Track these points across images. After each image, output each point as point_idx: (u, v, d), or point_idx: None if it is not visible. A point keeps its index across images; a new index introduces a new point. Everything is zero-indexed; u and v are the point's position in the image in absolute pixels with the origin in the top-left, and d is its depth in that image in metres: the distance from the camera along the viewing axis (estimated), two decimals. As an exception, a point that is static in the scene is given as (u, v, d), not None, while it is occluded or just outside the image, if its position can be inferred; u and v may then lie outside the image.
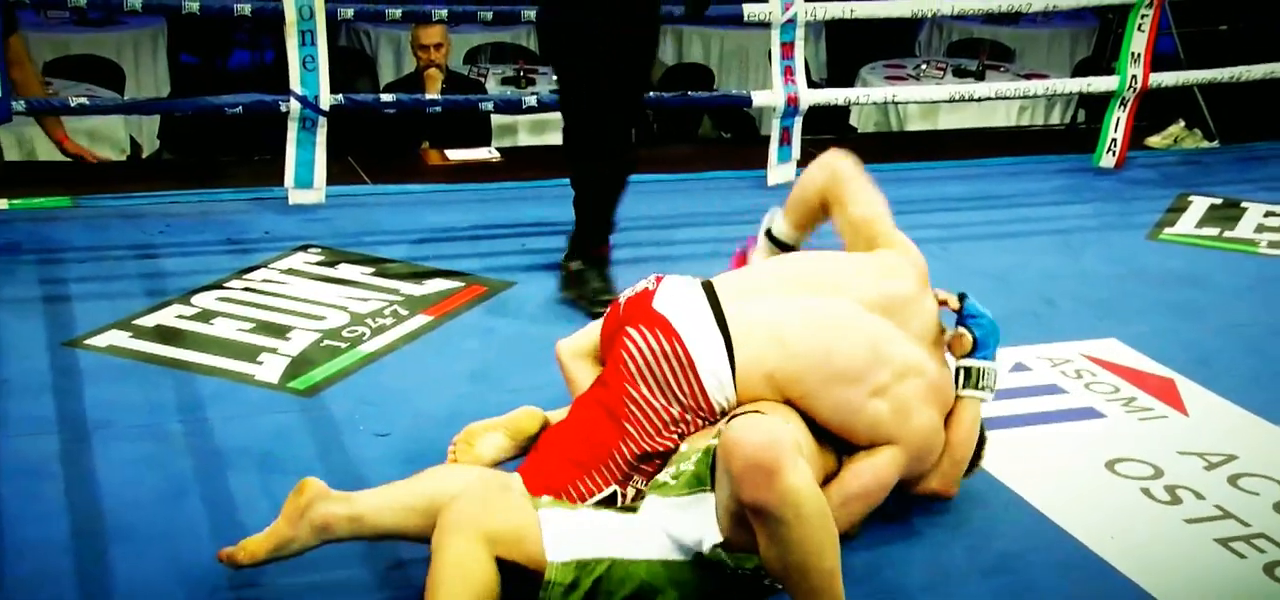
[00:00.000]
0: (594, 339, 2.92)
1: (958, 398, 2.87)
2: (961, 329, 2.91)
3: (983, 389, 2.88)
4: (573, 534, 2.40)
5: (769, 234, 3.33)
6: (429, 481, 2.55)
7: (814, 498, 2.27)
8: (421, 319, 3.89)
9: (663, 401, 2.68)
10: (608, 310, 2.91)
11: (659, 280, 2.84)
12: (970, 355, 2.88)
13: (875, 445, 2.74)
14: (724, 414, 2.70)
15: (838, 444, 2.76)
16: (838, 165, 3.20)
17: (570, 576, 2.35)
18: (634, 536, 2.44)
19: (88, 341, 3.63)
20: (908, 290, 2.92)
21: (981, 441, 2.94)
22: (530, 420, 2.84)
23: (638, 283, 2.88)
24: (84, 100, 5.03)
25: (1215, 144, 6.33)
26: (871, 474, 2.73)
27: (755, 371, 2.69)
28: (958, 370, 2.88)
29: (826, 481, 2.72)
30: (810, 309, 2.80)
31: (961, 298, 2.94)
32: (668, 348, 2.68)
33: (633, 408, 2.67)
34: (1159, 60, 5.90)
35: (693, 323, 2.71)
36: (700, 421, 2.69)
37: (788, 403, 2.71)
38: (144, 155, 6.28)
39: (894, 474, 2.76)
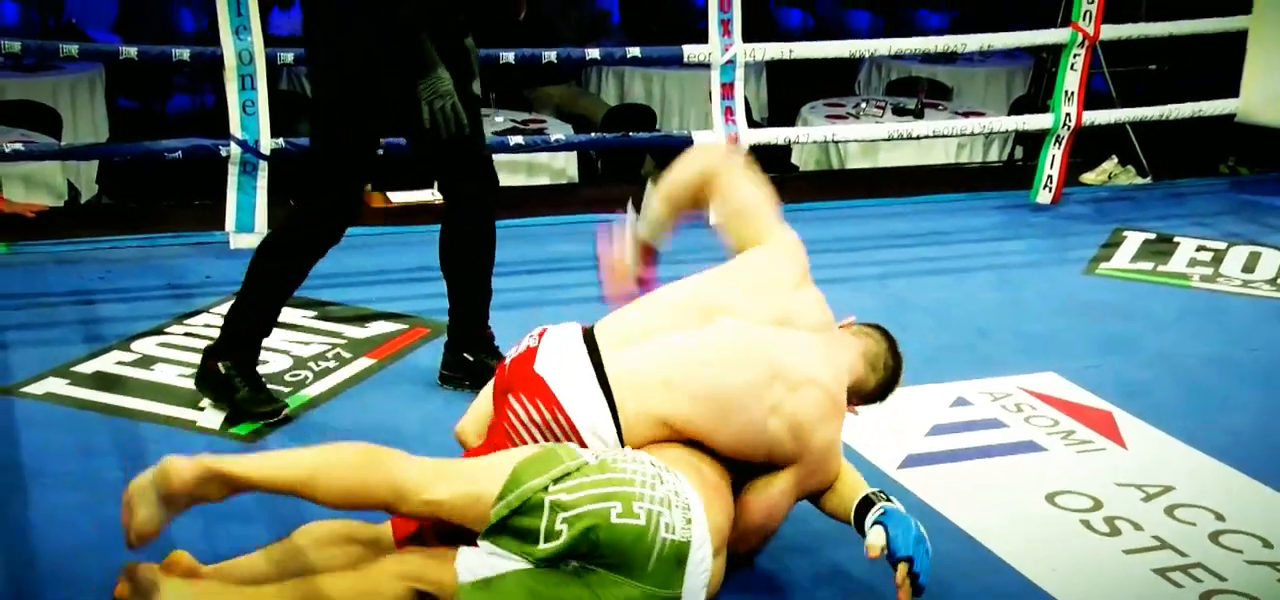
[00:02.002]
0: (486, 408, 2.83)
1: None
2: (879, 526, 2.67)
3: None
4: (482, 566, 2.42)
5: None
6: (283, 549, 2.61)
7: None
8: (364, 362, 3.86)
9: None
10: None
11: (541, 335, 2.77)
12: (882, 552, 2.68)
13: (773, 468, 2.75)
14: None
15: (735, 468, 2.76)
16: (717, 153, 3.17)
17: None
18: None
19: (24, 389, 3.58)
20: (793, 290, 2.87)
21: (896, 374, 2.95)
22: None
23: (522, 339, 2.80)
24: (19, 145, 4.97)
25: (1148, 180, 6.43)
26: (764, 508, 2.75)
27: (642, 423, 2.67)
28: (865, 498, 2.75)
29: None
30: (697, 344, 2.75)
31: (885, 531, 2.68)
32: (548, 416, 2.65)
33: None
34: (1092, 98, 6.00)
35: (572, 385, 2.67)
36: None
37: (687, 441, 2.71)
38: (82, 201, 6.21)
39: (789, 502, 2.78)
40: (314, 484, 2.42)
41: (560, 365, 2.69)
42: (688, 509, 2.47)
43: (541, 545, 2.36)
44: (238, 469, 2.45)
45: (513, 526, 2.37)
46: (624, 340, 2.75)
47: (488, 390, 2.84)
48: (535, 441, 2.64)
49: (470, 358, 3.70)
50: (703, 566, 2.48)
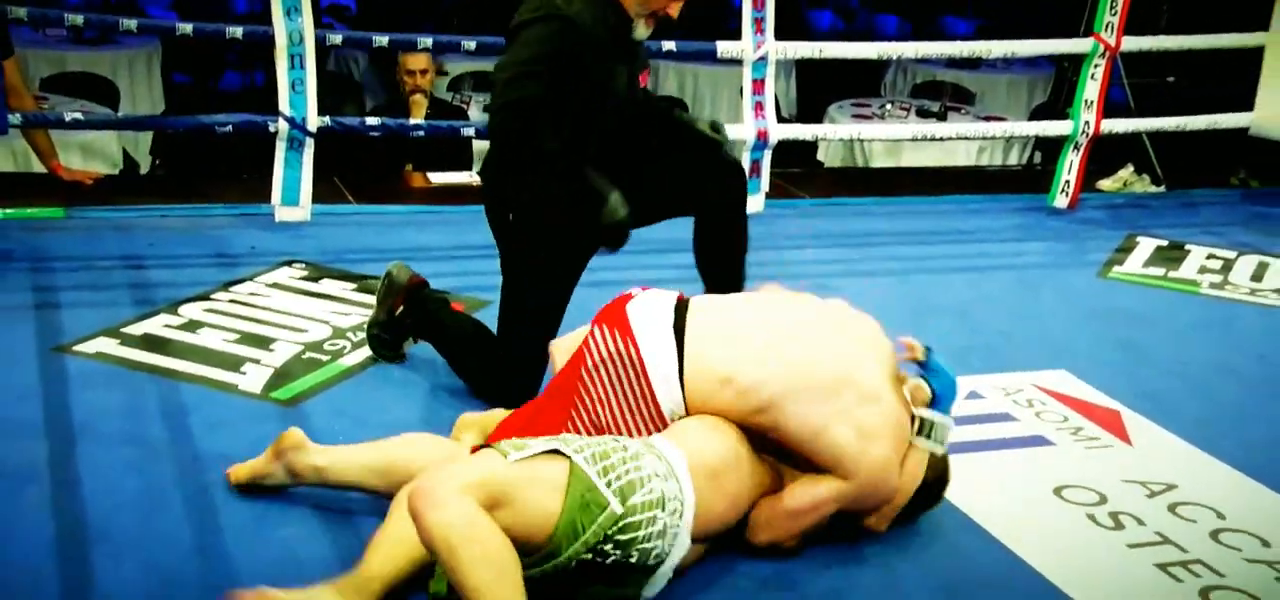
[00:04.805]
0: (580, 335, 2.91)
1: (910, 444, 2.83)
2: (921, 380, 2.86)
3: (934, 441, 2.83)
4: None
5: None
6: (391, 446, 2.78)
7: (468, 537, 2.21)
8: (401, 335, 3.87)
9: (608, 396, 2.76)
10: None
11: (643, 289, 2.90)
12: (928, 407, 2.84)
13: (825, 471, 2.71)
14: (672, 418, 2.75)
15: (780, 459, 2.76)
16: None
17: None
18: None
19: (76, 348, 3.60)
20: (870, 329, 2.91)
21: (943, 484, 2.90)
22: (495, 417, 2.95)
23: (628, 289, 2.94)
24: (79, 115, 5.00)
25: (1162, 189, 6.38)
26: (809, 499, 2.72)
27: (707, 379, 2.72)
28: (912, 418, 2.84)
29: (765, 494, 2.75)
30: (779, 323, 2.82)
31: (927, 350, 2.91)
32: (622, 348, 2.76)
33: (581, 398, 2.76)
34: (1110, 108, 5.95)
35: (651, 328, 2.76)
36: (647, 423, 2.75)
37: (742, 424, 2.71)
38: (138, 171, 6.25)
39: (833, 506, 2.74)
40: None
41: (647, 311, 2.80)
42: (678, 518, 2.49)
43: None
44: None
45: (540, 575, 2.38)
46: (709, 308, 2.86)
47: (583, 329, 2.91)
48: (605, 370, 2.75)
49: None
50: (670, 565, 2.52)
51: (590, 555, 2.39)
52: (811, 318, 2.87)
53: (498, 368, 3.36)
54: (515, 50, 3.23)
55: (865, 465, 2.71)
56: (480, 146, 6.02)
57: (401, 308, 3.60)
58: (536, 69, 3.18)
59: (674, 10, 3.32)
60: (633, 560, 2.43)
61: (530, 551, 2.34)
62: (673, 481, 2.51)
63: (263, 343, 3.71)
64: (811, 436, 2.69)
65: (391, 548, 2.46)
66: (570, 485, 2.38)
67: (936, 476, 2.86)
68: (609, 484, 2.41)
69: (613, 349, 2.76)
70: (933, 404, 2.84)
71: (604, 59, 3.28)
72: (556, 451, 2.43)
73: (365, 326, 3.72)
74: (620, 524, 2.39)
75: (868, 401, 2.72)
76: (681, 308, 2.82)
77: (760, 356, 2.72)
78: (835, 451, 2.69)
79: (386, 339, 3.64)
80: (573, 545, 2.36)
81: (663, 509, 2.45)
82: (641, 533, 2.42)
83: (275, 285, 4.19)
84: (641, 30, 3.34)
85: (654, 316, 2.79)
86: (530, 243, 3.34)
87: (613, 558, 2.41)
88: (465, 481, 2.28)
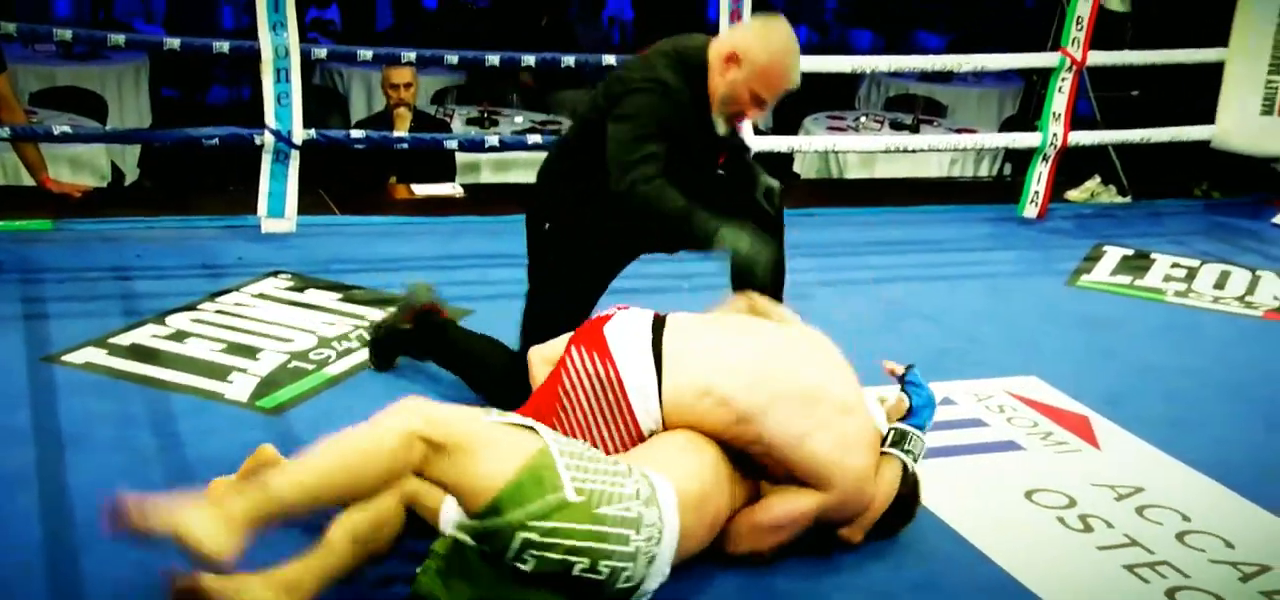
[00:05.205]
0: (561, 347, 2.90)
1: (883, 454, 2.83)
2: (903, 394, 2.89)
3: (909, 454, 2.83)
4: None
5: None
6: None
7: (362, 441, 2.27)
8: (385, 343, 3.86)
9: (586, 416, 2.74)
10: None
11: (621, 308, 2.88)
12: (904, 419, 2.86)
13: (803, 484, 2.70)
14: (649, 435, 2.73)
15: (756, 473, 2.75)
16: None
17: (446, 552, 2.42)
18: None
19: (65, 358, 3.58)
20: (834, 351, 2.91)
21: (917, 498, 2.89)
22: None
23: (604, 308, 2.92)
24: (67, 129, 4.97)
25: (1128, 199, 6.42)
26: (789, 512, 2.71)
27: (686, 393, 2.70)
28: (890, 430, 2.86)
29: (743, 507, 2.74)
30: (756, 338, 2.82)
31: (908, 368, 2.93)
32: (601, 369, 2.73)
33: (559, 418, 2.73)
34: (1078, 120, 5.99)
35: (629, 348, 2.74)
36: (625, 442, 2.72)
37: (722, 437, 2.70)
38: (125, 183, 6.22)
39: (811, 516, 2.72)
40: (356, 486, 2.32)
41: (625, 331, 2.77)
42: (656, 541, 2.45)
43: (505, 562, 2.35)
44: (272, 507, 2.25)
45: (482, 534, 2.35)
46: (687, 325, 2.83)
47: (566, 336, 2.89)
48: (583, 391, 2.70)
49: None
50: (650, 591, 2.50)
51: (557, 559, 2.34)
52: (784, 336, 2.88)
53: (515, 377, 3.29)
54: (625, 125, 3.18)
55: (844, 475, 2.70)
56: (463, 159, 6.03)
57: (408, 325, 3.58)
58: (651, 132, 3.15)
59: (752, 115, 3.32)
60: (601, 577, 2.38)
61: (476, 508, 2.32)
62: (654, 508, 2.46)
63: (249, 352, 3.69)
64: (792, 446, 2.68)
65: (326, 549, 2.44)
66: (533, 460, 2.34)
67: (909, 490, 2.85)
68: (574, 477, 2.36)
69: (590, 370, 2.73)
70: (909, 416, 2.85)
71: (689, 131, 3.26)
72: (535, 432, 2.43)
73: (371, 326, 3.72)
74: (580, 524, 2.33)
75: (845, 413, 2.72)
76: (658, 326, 2.81)
77: (738, 368, 2.72)
78: (815, 461, 2.68)
79: (382, 345, 3.64)
80: (515, 511, 2.29)
81: (637, 531, 2.40)
82: (610, 547, 2.37)
83: (261, 295, 4.17)
84: (721, 126, 3.32)
85: (632, 336, 2.77)
86: (564, 253, 3.37)
87: (578, 567, 2.35)
88: (428, 415, 2.29)
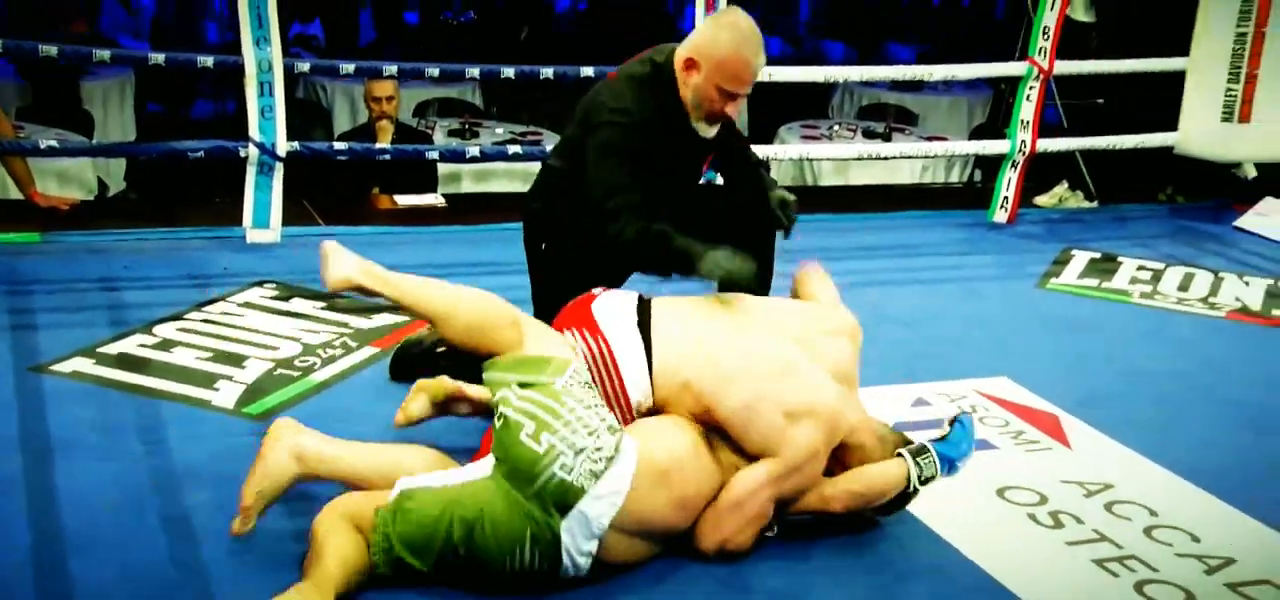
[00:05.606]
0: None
1: (898, 455, 2.89)
2: (949, 428, 2.96)
3: (921, 468, 2.87)
4: (412, 482, 2.56)
5: None
6: (392, 448, 2.75)
7: (460, 293, 2.76)
8: (369, 351, 3.85)
9: None
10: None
11: (603, 289, 2.94)
12: (937, 443, 2.91)
13: (762, 455, 2.75)
14: (639, 410, 2.79)
15: (735, 460, 2.78)
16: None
17: (392, 507, 2.51)
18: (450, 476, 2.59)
19: (53, 367, 3.55)
20: (830, 335, 2.97)
21: (906, 499, 2.92)
22: (440, 386, 2.97)
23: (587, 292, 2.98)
24: (54, 143, 4.95)
25: (1094, 204, 6.45)
26: (746, 485, 2.74)
27: (673, 381, 2.77)
28: (920, 444, 2.91)
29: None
30: (734, 323, 2.90)
31: (964, 413, 3.03)
32: (592, 344, 2.80)
33: None
34: (1046, 128, 6.01)
35: (619, 326, 2.81)
36: (617, 415, 2.76)
37: (696, 416, 2.77)
38: (111, 196, 6.18)
39: (769, 488, 2.74)
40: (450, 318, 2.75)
41: (611, 310, 2.85)
42: (604, 467, 2.52)
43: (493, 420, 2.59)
44: (386, 287, 2.83)
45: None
46: (672, 307, 2.90)
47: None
48: (589, 370, 2.79)
49: None
50: (597, 525, 2.53)
51: (514, 421, 2.53)
52: (772, 317, 2.95)
53: None
54: (599, 168, 3.20)
55: (787, 444, 2.73)
56: (445, 169, 6.02)
57: (443, 347, 3.54)
58: (621, 173, 3.16)
59: (731, 110, 3.27)
60: (538, 450, 2.48)
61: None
62: (616, 439, 2.57)
63: (235, 360, 3.68)
64: (750, 419, 2.74)
65: (340, 554, 2.46)
66: (553, 357, 2.64)
67: (901, 498, 2.90)
68: (566, 384, 2.60)
69: (581, 347, 2.80)
70: (941, 442, 2.92)
71: (667, 148, 3.26)
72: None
73: (404, 341, 3.70)
74: (547, 398, 2.55)
75: (802, 389, 2.77)
76: (644, 306, 2.87)
77: (717, 353, 2.79)
78: (766, 438, 2.73)
79: (410, 357, 3.59)
80: (508, 372, 2.62)
81: (590, 435, 2.53)
82: (557, 426, 2.51)
83: (247, 305, 4.15)
84: (704, 129, 3.31)
85: (619, 314, 2.84)
86: (561, 274, 3.37)
87: (524, 432, 2.51)
88: (518, 316, 2.75)
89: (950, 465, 2.92)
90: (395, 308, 2.99)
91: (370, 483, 2.63)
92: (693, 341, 2.82)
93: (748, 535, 2.76)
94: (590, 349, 2.80)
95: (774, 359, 2.81)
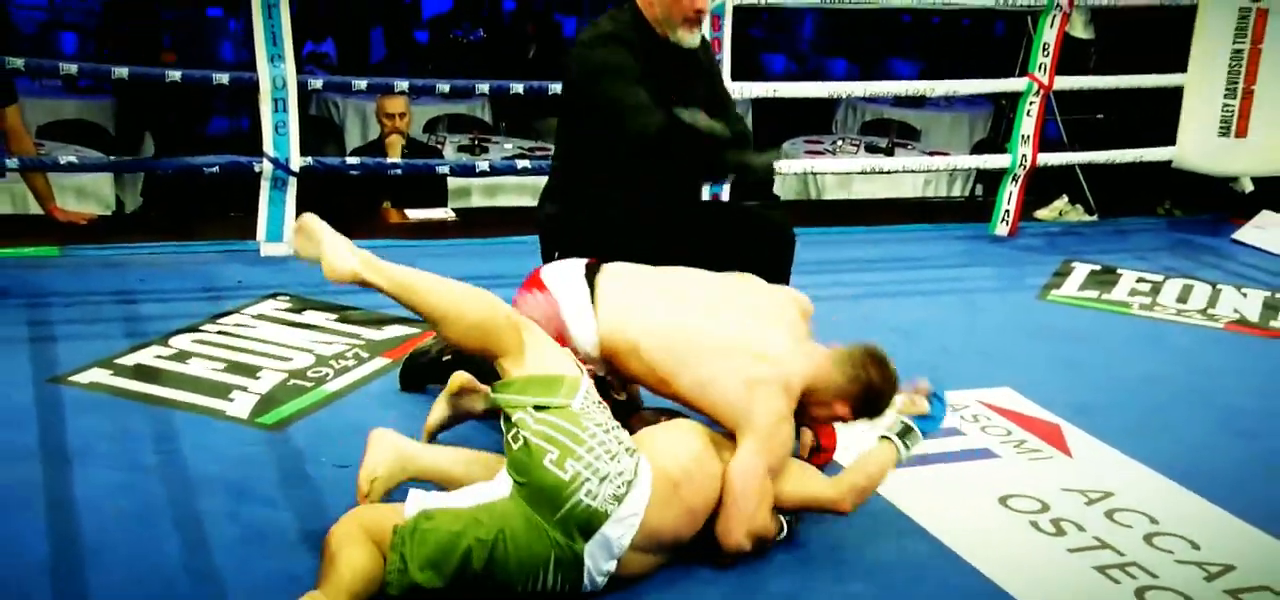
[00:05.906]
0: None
1: (884, 438, 2.91)
2: (923, 399, 2.98)
3: (907, 445, 2.91)
4: (429, 501, 2.55)
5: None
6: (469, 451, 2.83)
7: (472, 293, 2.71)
8: (380, 362, 3.85)
9: None
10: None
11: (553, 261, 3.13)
12: (917, 419, 2.93)
13: (735, 429, 2.77)
14: (587, 359, 2.89)
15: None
16: None
17: (410, 526, 2.46)
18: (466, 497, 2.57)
19: (71, 378, 3.56)
20: (779, 307, 3.04)
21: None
22: (454, 381, 3.09)
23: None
24: (73, 159, 4.96)
25: (1094, 218, 6.45)
26: (740, 469, 2.73)
27: (620, 333, 2.89)
28: (900, 422, 2.93)
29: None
30: (679, 292, 2.98)
31: (935, 385, 3.04)
32: (541, 300, 2.96)
33: None
34: (1046, 142, 6.01)
35: (565, 283, 2.98)
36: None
37: (652, 387, 2.90)
38: (128, 211, 6.20)
39: (756, 461, 2.73)
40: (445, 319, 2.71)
41: (559, 272, 3.04)
42: (626, 490, 2.51)
43: (506, 439, 2.55)
44: (384, 281, 2.77)
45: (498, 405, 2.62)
46: (622, 271, 3.03)
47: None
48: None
49: None
50: (617, 547, 2.52)
51: (536, 445, 2.49)
52: (707, 288, 3.02)
53: None
54: (601, 83, 3.33)
55: (755, 413, 2.75)
56: (454, 184, 6.03)
57: (449, 357, 3.56)
58: (619, 79, 3.31)
59: (700, 4, 3.38)
60: (564, 477, 2.46)
61: (507, 377, 2.63)
62: (634, 461, 2.57)
63: (249, 371, 3.68)
64: (706, 387, 2.79)
65: (354, 566, 2.43)
66: (564, 375, 2.61)
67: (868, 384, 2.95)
68: (583, 406, 2.56)
69: (531, 304, 2.94)
70: (920, 420, 2.95)
71: (652, 61, 3.36)
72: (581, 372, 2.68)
73: (413, 351, 3.71)
74: (567, 422, 2.52)
75: (759, 361, 2.81)
76: (592, 270, 3.01)
77: (660, 328, 2.88)
78: (727, 404, 2.77)
79: (418, 367, 3.61)
80: (523, 394, 2.57)
81: (612, 460, 2.52)
82: (581, 452, 2.48)
83: (261, 317, 4.16)
84: (686, 38, 3.42)
85: (566, 274, 3.00)
86: None
87: (548, 457, 2.48)
88: (520, 320, 2.72)
89: (927, 429, 2.97)
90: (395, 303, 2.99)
91: (461, 481, 2.68)
92: (640, 306, 2.92)
93: (766, 514, 2.76)
94: (540, 304, 2.93)
95: (723, 330, 2.86)
